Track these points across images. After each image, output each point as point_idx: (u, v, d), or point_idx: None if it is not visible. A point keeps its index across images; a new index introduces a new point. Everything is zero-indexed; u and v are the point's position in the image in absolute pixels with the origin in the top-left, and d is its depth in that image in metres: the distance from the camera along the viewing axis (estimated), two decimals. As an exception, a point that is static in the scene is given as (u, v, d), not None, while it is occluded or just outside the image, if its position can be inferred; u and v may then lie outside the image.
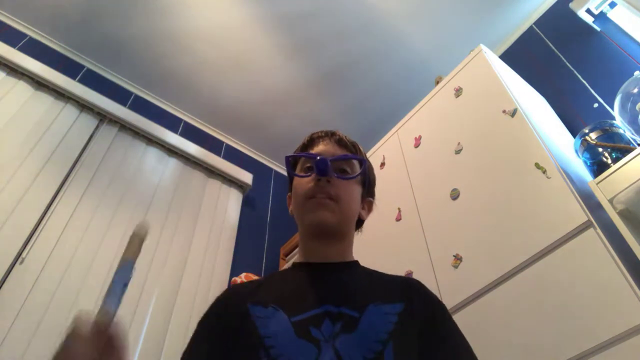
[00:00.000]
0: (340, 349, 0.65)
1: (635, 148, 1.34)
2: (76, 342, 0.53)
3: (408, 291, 0.79)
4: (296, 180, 0.87)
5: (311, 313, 0.70)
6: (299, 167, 0.90)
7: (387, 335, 0.68)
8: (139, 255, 0.64)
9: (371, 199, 0.94)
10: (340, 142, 0.90)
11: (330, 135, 0.92)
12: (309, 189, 0.82)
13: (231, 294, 0.83)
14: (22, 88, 2.17)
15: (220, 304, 0.81)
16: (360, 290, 0.78)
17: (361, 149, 0.94)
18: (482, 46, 1.89)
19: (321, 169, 0.81)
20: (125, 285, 0.61)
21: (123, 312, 0.59)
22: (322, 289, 0.76)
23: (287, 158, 0.91)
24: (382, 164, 2.11)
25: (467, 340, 0.77)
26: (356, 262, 0.87)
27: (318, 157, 0.82)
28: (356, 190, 0.88)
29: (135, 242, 0.64)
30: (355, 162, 0.89)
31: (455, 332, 0.78)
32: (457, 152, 1.71)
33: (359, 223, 0.91)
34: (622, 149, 1.44)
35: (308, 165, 0.87)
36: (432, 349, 0.72)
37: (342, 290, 0.76)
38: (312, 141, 0.92)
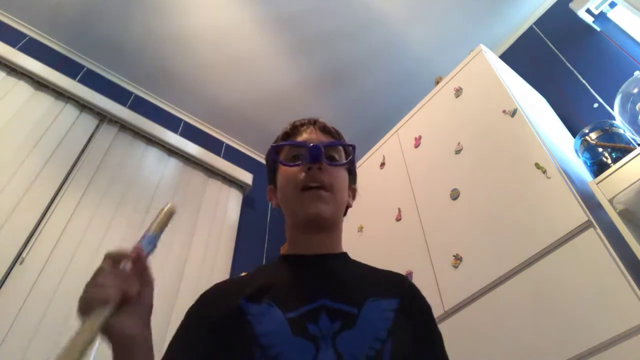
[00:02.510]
0: (341, 348, 0.64)
1: (635, 148, 1.35)
2: (106, 273, 0.58)
3: (402, 288, 0.79)
4: (282, 171, 0.84)
5: (306, 308, 0.68)
6: (282, 157, 0.86)
7: (385, 332, 0.68)
8: (164, 230, 0.68)
9: (354, 185, 0.92)
10: (325, 129, 0.88)
11: (313, 122, 0.89)
12: (302, 179, 0.79)
13: (220, 290, 0.78)
14: (22, 88, 2.17)
15: (208, 300, 0.76)
16: (355, 284, 0.77)
17: (343, 135, 0.92)
18: (482, 46, 1.89)
19: (314, 155, 0.78)
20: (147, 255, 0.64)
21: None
22: (316, 282, 0.75)
23: (273, 148, 0.87)
24: (382, 164, 2.11)
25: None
26: (346, 253, 0.85)
27: (311, 144, 0.80)
28: (346, 178, 0.86)
29: (165, 217, 0.68)
30: (341, 149, 0.87)
31: (441, 339, 0.79)
32: (457, 152, 1.71)
33: (345, 210, 0.89)
34: (622, 149, 1.44)
35: (294, 154, 0.84)
36: (421, 352, 0.73)
37: (337, 283, 0.75)
38: (295, 129, 0.89)
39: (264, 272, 0.85)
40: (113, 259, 0.60)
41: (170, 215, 0.69)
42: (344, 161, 0.85)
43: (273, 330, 0.66)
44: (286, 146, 0.87)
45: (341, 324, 0.67)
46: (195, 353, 0.68)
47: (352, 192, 0.91)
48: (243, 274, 2.39)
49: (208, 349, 0.68)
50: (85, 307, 0.55)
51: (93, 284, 0.57)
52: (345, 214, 0.89)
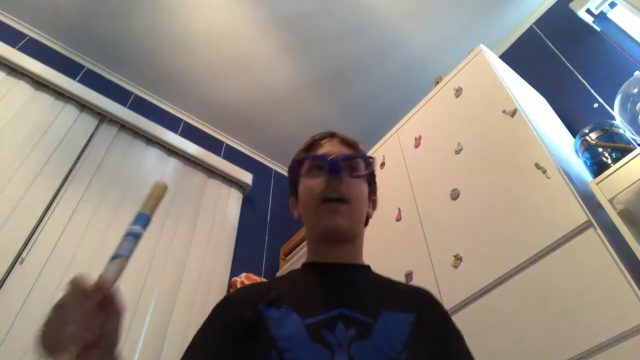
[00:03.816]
0: (356, 356, 0.64)
1: (635, 148, 1.34)
2: (70, 307, 0.54)
3: (419, 301, 0.80)
4: (304, 183, 0.86)
5: (324, 316, 0.69)
6: (303, 170, 0.88)
7: (401, 345, 0.68)
8: (155, 210, 0.66)
9: (375, 197, 0.94)
10: (344, 142, 0.90)
11: (331, 135, 0.91)
12: (321, 191, 0.80)
13: (242, 294, 0.81)
14: (22, 88, 2.17)
15: (231, 304, 0.78)
16: (373, 295, 0.77)
17: (362, 147, 0.94)
18: (482, 46, 1.89)
19: (334, 167, 0.80)
20: (138, 237, 0.64)
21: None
22: (335, 291, 0.76)
23: (295, 162, 0.89)
24: (382, 164, 2.11)
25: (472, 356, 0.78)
26: (368, 266, 0.86)
27: (329, 157, 0.81)
28: (365, 189, 0.87)
29: (154, 197, 0.68)
30: (361, 161, 0.88)
31: (465, 348, 0.78)
32: (457, 152, 1.71)
33: (365, 220, 0.91)
34: (622, 149, 1.44)
35: (315, 167, 0.85)
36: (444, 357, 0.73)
37: (355, 293, 0.76)
38: (314, 143, 0.91)
39: (285, 279, 0.86)
40: (79, 290, 0.54)
41: (160, 196, 0.68)
42: (364, 172, 0.86)
43: (291, 334, 0.67)
44: (307, 159, 0.88)
45: (357, 332, 0.67)
46: (215, 355, 0.70)
47: (373, 203, 0.92)
48: (243, 274, 2.37)
49: (228, 352, 0.70)
50: (51, 346, 0.52)
51: (58, 319, 0.54)
52: (366, 224, 0.90)
